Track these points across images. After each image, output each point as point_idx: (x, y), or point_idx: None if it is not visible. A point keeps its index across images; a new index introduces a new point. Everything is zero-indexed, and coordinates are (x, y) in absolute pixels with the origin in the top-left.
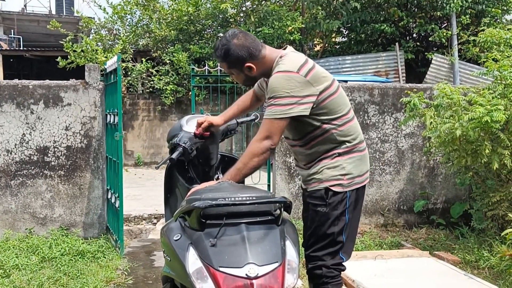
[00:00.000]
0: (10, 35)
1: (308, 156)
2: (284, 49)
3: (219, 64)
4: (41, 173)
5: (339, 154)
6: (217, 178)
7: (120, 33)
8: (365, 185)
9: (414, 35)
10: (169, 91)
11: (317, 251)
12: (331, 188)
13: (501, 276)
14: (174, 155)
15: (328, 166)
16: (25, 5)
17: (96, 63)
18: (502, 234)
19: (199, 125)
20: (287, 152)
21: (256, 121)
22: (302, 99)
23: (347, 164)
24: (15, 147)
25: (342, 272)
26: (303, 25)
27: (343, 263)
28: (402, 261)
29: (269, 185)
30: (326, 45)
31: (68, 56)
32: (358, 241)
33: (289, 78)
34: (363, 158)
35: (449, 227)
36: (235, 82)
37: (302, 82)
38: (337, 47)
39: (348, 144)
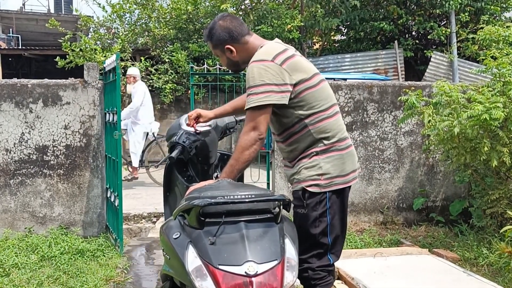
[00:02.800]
0: (8, 34)
1: (289, 153)
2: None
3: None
4: (40, 172)
5: (317, 153)
6: (216, 177)
7: (119, 31)
8: (350, 185)
9: (413, 33)
10: (168, 90)
11: (302, 254)
12: (308, 188)
13: (500, 273)
14: (173, 154)
15: (305, 166)
16: (23, 4)
17: (95, 62)
18: (501, 231)
19: (190, 119)
20: None
21: None
22: (278, 87)
23: (324, 163)
24: (14, 146)
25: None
26: (302, 23)
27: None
28: (401, 258)
29: (268, 183)
30: (325, 43)
31: (67, 56)
32: (358, 239)
33: (263, 67)
34: (345, 157)
35: (448, 225)
36: (234, 81)
37: (277, 70)
38: (336, 45)
39: (325, 142)
